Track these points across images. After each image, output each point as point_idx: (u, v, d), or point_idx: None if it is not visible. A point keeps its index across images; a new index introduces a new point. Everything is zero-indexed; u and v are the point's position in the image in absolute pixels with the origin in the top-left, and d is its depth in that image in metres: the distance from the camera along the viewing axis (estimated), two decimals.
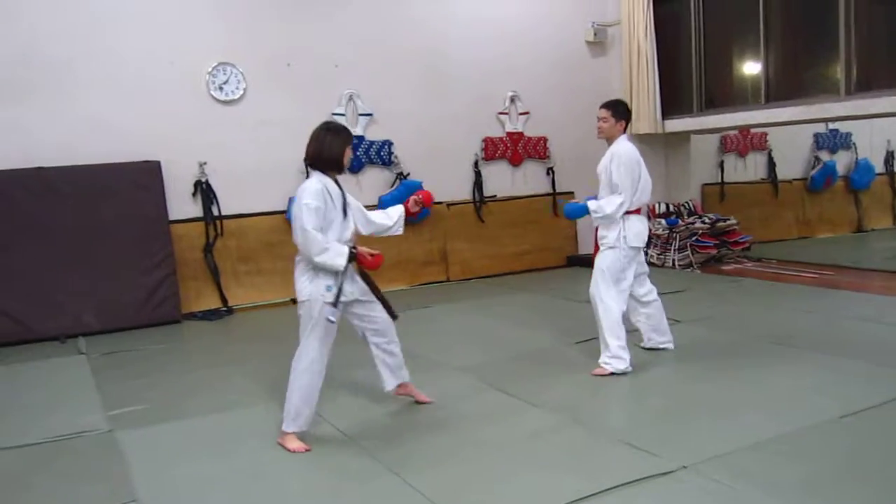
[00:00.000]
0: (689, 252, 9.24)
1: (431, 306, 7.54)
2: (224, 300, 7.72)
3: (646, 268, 5.26)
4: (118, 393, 5.05)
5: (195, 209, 7.64)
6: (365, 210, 4.29)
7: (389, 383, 4.40)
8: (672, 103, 9.59)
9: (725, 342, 5.62)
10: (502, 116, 9.37)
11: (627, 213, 4.98)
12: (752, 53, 8.84)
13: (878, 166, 13.05)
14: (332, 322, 3.91)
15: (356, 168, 8.39)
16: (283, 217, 8.01)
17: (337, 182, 4.02)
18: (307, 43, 8.12)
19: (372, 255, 4.05)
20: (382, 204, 8.43)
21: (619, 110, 5.09)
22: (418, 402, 4.52)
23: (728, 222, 9.60)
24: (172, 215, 7.43)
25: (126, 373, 5.63)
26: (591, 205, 4.98)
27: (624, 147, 5.01)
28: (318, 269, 3.90)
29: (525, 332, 6.29)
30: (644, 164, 5.07)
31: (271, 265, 7.99)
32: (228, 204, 7.74)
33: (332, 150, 3.96)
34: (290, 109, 7.99)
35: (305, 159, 4.05)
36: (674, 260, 9.25)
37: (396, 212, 4.36)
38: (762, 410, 4.20)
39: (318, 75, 8.17)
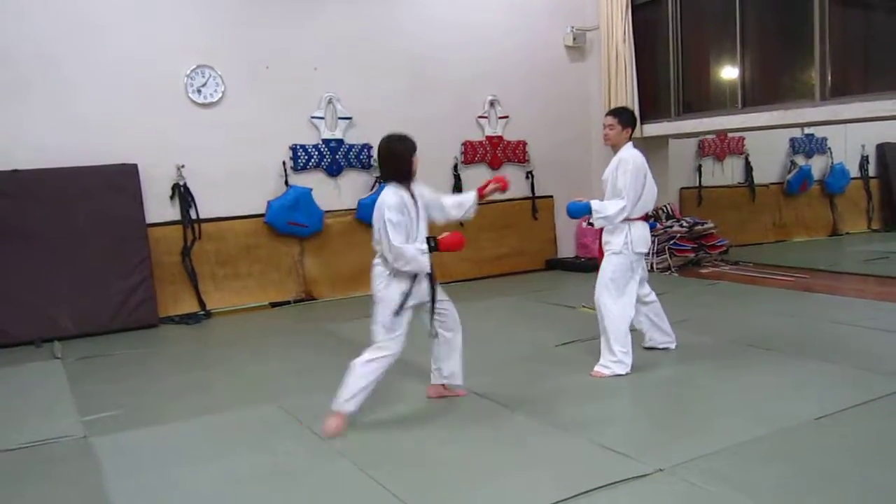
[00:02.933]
0: (667, 255, 9.30)
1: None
2: (202, 304, 7.67)
3: (646, 273, 5.34)
4: (93, 398, 5.00)
5: (173, 212, 7.59)
6: (441, 200, 4.45)
7: (435, 378, 4.62)
8: (650, 108, 9.66)
9: (703, 345, 5.66)
10: (482, 120, 9.39)
11: (632, 219, 5.03)
12: (729, 59, 8.92)
13: (853, 171, 13.20)
14: (388, 328, 4.19)
15: (335, 171, 8.37)
16: (262, 220, 7.98)
17: (409, 188, 4.24)
18: (286, 46, 8.09)
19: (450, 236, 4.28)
20: (361, 208, 8.43)
21: (625, 118, 5.15)
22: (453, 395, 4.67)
23: (705, 226, 9.67)
24: (150, 218, 7.37)
25: (102, 377, 5.58)
26: (595, 204, 5.02)
27: (630, 154, 5.07)
28: (395, 274, 4.16)
29: (504, 335, 6.30)
30: (650, 171, 5.14)
31: (249, 269, 7.96)
32: (207, 207, 7.69)
33: (400, 163, 4.21)
34: (269, 112, 7.98)
35: (378, 176, 4.19)
36: (652, 263, 9.29)
37: (469, 199, 4.47)
38: (739, 413, 4.24)
39: (297, 78, 8.14)
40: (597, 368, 5.03)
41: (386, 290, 4.17)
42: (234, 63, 7.81)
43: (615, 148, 5.17)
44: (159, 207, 7.49)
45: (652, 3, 9.54)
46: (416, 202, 4.23)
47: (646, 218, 5.17)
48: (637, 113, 9.46)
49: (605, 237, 5.14)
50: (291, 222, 8.02)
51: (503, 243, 9.56)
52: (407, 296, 4.17)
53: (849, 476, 3.36)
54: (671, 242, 9.33)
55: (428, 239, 4.20)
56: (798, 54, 8.15)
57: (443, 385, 4.62)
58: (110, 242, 7.06)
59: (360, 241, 8.56)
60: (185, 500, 3.44)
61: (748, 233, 11.62)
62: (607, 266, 5.07)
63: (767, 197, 12.20)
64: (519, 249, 9.70)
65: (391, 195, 4.13)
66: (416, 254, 4.10)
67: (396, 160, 4.22)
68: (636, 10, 9.52)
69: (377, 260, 4.25)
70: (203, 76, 7.67)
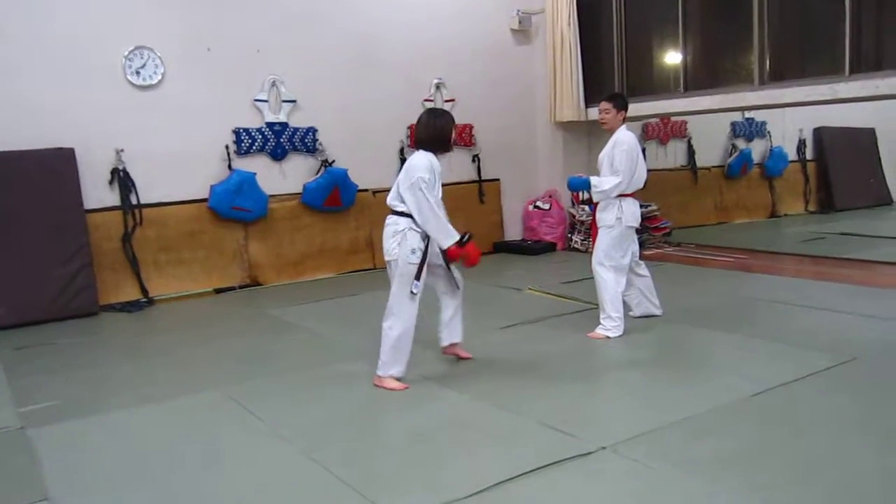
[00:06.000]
0: None
1: (357, 294, 7.50)
2: (144, 291, 7.51)
3: (637, 249, 5.77)
4: (30, 388, 4.87)
5: (112, 197, 7.39)
6: None
7: (444, 340, 4.90)
8: (595, 91, 9.72)
9: (644, 325, 5.76)
10: (427, 103, 9.34)
11: (623, 195, 5.46)
12: (672, 43, 9.04)
13: (791, 154, 13.55)
14: (414, 294, 4.42)
15: (279, 155, 8.26)
16: (205, 205, 7.84)
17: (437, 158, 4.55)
18: (228, 26, 7.92)
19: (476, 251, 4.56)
20: (306, 192, 8.35)
21: (619, 102, 5.58)
22: (461, 358, 5.00)
23: (649, 208, 9.81)
24: (88, 204, 7.17)
25: (39, 367, 5.43)
26: (594, 179, 5.49)
27: (625, 135, 5.50)
28: (407, 232, 4.41)
29: None
30: (641, 153, 5.59)
31: (193, 255, 7.82)
32: (148, 192, 7.51)
33: (442, 133, 4.53)
34: (210, 95, 7.82)
35: (416, 142, 4.59)
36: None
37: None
38: (679, 390, 4.33)
39: (239, 60, 7.99)
40: (597, 331, 5.49)
41: (400, 247, 4.41)
42: (174, 44, 7.61)
43: (611, 130, 5.57)
44: (98, 193, 7.29)
45: None
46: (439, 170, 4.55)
47: (635, 195, 5.58)
48: (582, 96, 9.62)
49: (598, 214, 5.58)
50: (235, 207, 7.90)
51: None
52: (424, 254, 4.40)
53: (784, 449, 3.47)
54: None
55: (464, 234, 4.45)
56: (738, 39, 8.29)
57: (451, 345, 4.95)
58: (47, 229, 6.85)
59: (306, 226, 8.51)
60: (125, 490, 3.37)
61: (691, 215, 11.85)
62: (602, 240, 5.53)
63: (709, 180, 12.45)
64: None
65: (423, 158, 4.44)
66: (447, 227, 4.40)
67: (439, 133, 4.51)
68: None
69: (390, 218, 4.52)
70: (142, 57, 7.46)
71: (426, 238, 4.43)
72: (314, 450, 3.65)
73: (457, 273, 4.73)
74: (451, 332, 4.89)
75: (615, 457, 3.43)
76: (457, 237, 4.41)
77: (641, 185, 5.61)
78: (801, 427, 3.74)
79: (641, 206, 9.52)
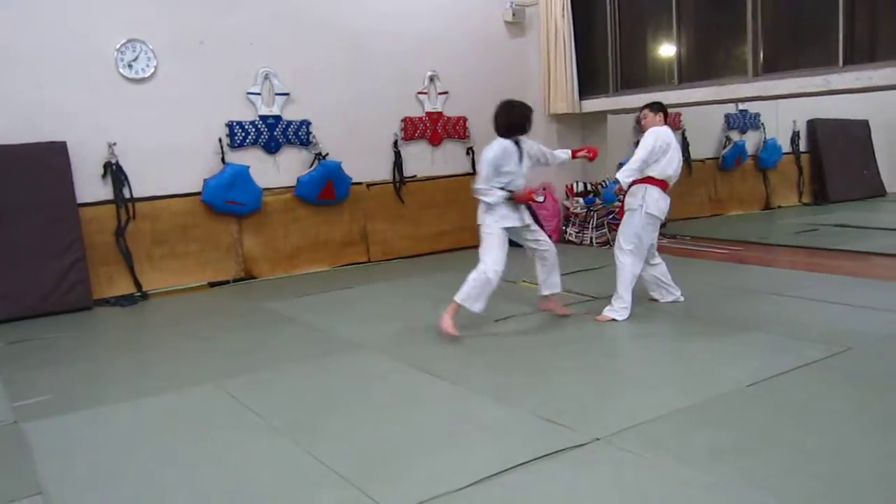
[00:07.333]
0: (605, 230, 9.42)
1: (352, 287, 7.50)
2: (138, 285, 7.49)
3: (656, 240, 5.92)
4: (24, 383, 4.85)
5: (105, 191, 7.36)
6: (544, 151, 5.63)
7: (542, 290, 5.75)
8: (589, 83, 9.73)
9: (639, 316, 5.76)
10: (421, 96, 9.32)
11: (652, 182, 5.63)
12: (666, 35, 9.04)
13: (785, 146, 13.55)
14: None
15: (273, 148, 8.23)
16: (199, 199, 7.81)
17: (517, 141, 5.33)
18: (220, 19, 7.88)
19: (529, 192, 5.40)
20: (300, 185, 8.33)
21: (655, 107, 5.89)
22: (560, 315, 5.76)
23: None
24: (81, 198, 7.14)
25: (33, 362, 5.41)
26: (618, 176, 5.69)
27: (658, 127, 5.74)
28: (489, 206, 5.32)
29: (443, 311, 6.30)
30: (675, 143, 5.79)
31: (187, 248, 7.80)
32: (141, 186, 7.48)
33: (511, 121, 5.34)
34: (203, 88, 7.79)
35: (497, 129, 5.36)
36: (591, 238, 9.43)
37: (565, 155, 5.81)
38: (673, 382, 4.34)
39: (232, 53, 7.95)
40: (605, 312, 5.69)
41: (485, 215, 5.34)
42: (167, 37, 7.58)
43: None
44: (91, 186, 7.26)
45: None
46: (520, 151, 5.32)
47: (664, 185, 5.71)
48: (576, 88, 9.62)
49: (626, 198, 5.78)
50: (229, 201, 7.88)
51: (444, 220, 9.55)
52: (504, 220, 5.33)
53: (779, 439, 3.47)
54: (610, 217, 9.45)
55: (509, 191, 5.28)
56: (732, 31, 8.29)
57: (548, 298, 5.78)
58: (40, 223, 6.82)
59: (300, 219, 8.49)
60: (119, 484, 3.37)
61: (685, 207, 11.80)
62: (623, 224, 5.76)
63: (703, 172, 12.44)
64: (460, 226, 9.66)
65: (496, 145, 5.28)
66: (491, 192, 5.26)
67: (508, 119, 5.33)
68: None
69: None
70: (134, 50, 7.42)
71: (510, 208, 5.32)
72: (308, 442, 3.65)
73: (542, 235, 5.57)
74: (546, 285, 5.68)
75: (609, 448, 3.44)
76: (499, 195, 5.25)
77: (670, 174, 5.69)
78: (796, 417, 3.74)
79: None
